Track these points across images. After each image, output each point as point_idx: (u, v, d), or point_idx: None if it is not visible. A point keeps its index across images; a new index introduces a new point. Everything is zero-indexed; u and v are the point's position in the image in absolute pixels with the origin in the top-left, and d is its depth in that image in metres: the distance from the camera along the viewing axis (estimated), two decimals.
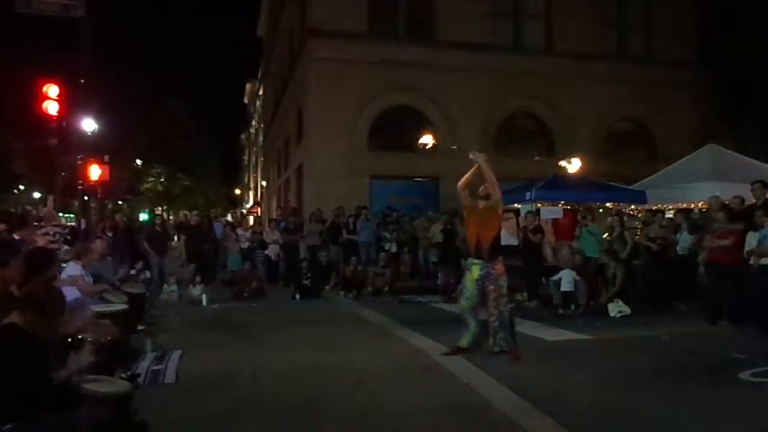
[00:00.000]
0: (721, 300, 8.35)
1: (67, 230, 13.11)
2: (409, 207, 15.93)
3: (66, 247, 10.50)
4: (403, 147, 17.13)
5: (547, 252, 11.67)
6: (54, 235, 10.92)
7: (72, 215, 24.23)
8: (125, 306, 6.53)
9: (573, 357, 6.61)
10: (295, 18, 20.28)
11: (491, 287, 6.31)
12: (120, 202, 42.89)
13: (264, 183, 37.38)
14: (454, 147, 6.54)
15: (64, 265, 7.25)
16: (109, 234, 12.86)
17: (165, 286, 11.84)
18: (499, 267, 6.40)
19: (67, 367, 3.08)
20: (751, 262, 7.86)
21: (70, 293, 6.84)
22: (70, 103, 13.43)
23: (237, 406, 4.88)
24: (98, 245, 8.81)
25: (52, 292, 3.39)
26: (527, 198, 12.42)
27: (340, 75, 16.58)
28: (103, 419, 3.07)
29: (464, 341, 6.46)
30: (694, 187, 11.68)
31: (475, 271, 6.38)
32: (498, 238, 6.48)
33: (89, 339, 4.13)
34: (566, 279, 9.73)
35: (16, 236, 7.96)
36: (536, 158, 17.85)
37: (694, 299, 9.63)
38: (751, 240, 7.86)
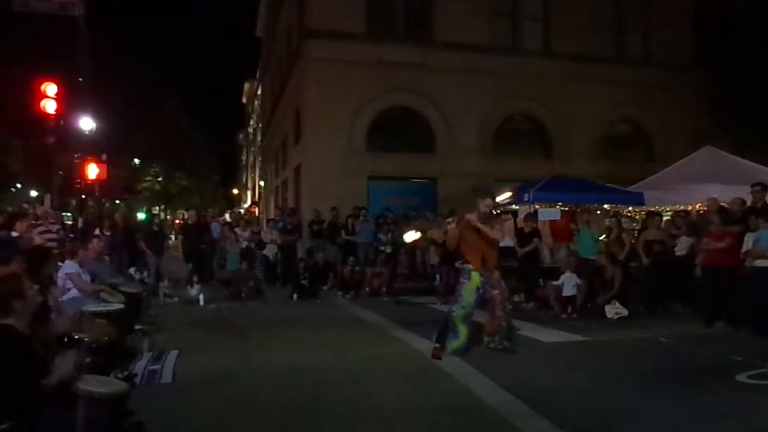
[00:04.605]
0: (718, 302, 8.36)
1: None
2: (408, 207, 15.86)
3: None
4: (402, 148, 17.17)
5: (545, 253, 11.68)
6: (57, 231, 10.89)
7: (69, 214, 24.15)
8: (122, 306, 6.52)
9: (570, 358, 6.61)
10: (294, 18, 20.25)
11: (495, 292, 6.54)
12: (117, 201, 42.80)
13: (262, 183, 37.31)
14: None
15: (60, 264, 7.24)
16: (107, 233, 12.84)
17: (160, 284, 11.83)
18: (496, 273, 6.68)
19: (58, 367, 3.06)
20: (746, 263, 7.88)
21: (68, 293, 6.86)
22: (69, 102, 13.45)
23: (234, 406, 4.87)
24: (95, 244, 8.80)
25: (46, 292, 3.38)
26: (525, 199, 12.43)
27: (338, 75, 16.55)
28: (99, 419, 3.06)
29: (454, 345, 6.44)
30: (691, 189, 11.68)
31: (475, 278, 6.52)
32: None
33: (86, 339, 4.14)
34: (569, 283, 9.72)
35: (14, 233, 7.89)
36: (533, 160, 17.86)
37: (691, 301, 9.63)
38: (748, 242, 7.88)
